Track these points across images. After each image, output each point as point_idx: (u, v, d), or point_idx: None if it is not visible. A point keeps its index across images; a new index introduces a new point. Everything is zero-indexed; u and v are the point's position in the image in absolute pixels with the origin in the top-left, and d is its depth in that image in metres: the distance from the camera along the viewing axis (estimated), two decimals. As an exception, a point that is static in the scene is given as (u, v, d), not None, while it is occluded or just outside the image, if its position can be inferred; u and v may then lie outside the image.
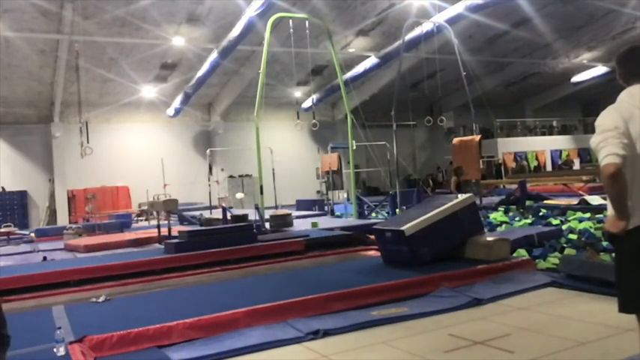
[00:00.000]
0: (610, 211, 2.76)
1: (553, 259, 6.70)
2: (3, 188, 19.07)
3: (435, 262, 6.52)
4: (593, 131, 2.91)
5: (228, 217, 12.49)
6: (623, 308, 2.80)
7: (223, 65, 19.13)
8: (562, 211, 11.50)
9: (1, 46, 16.76)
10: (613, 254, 6.20)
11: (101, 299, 5.93)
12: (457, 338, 4.31)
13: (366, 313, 5.03)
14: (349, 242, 9.83)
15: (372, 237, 8.64)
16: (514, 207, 13.08)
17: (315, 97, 21.87)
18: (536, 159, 28.05)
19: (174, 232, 10.77)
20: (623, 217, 2.65)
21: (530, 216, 11.41)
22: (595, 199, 11.78)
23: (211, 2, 16.64)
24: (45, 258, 9.86)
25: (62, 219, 20.02)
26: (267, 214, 12.36)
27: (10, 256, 10.45)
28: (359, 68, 21.36)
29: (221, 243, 9.07)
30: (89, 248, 10.52)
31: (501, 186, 19.12)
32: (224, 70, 20.62)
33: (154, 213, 14.65)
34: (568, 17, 20.62)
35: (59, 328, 4.21)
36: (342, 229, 10.99)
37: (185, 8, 16.95)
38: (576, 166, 26.91)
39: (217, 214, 14.29)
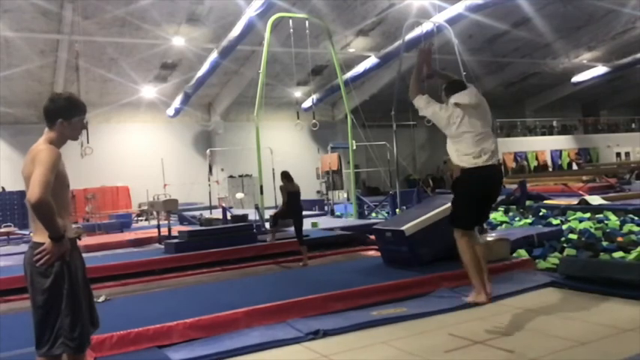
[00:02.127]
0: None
1: (553, 259, 6.69)
2: (3, 188, 19.04)
3: (435, 262, 6.51)
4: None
5: (228, 217, 12.50)
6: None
7: (223, 65, 19.13)
8: (562, 211, 11.49)
9: (1, 46, 16.77)
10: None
11: (101, 299, 5.92)
12: (457, 338, 4.30)
13: (366, 313, 5.02)
14: (349, 242, 9.83)
15: (372, 237, 8.65)
16: (514, 207, 13.08)
17: (315, 97, 21.86)
18: (536, 159, 28.06)
19: (174, 232, 10.77)
20: None
21: (530, 216, 11.40)
22: (595, 199, 11.78)
23: (211, 2, 16.65)
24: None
25: (62, 219, 19.95)
26: (267, 214, 12.35)
27: (10, 256, 10.44)
28: (359, 68, 21.35)
29: (221, 243, 9.07)
30: (89, 248, 10.51)
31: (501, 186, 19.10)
32: (224, 70, 20.62)
33: (154, 213, 14.66)
34: (568, 17, 20.63)
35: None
36: (342, 229, 10.99)
37: (185, 8, 16.96)
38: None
39: (217, 214, 14.29)
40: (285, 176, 9.19)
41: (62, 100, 3.06)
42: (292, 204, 8.95)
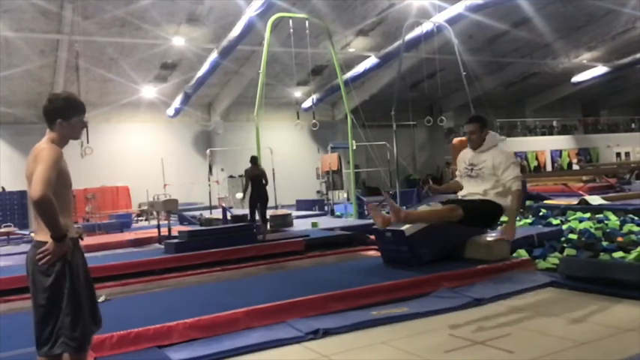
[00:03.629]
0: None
1: (553, 259, 6.69)
2: (3, 188, 19.05)
3: (435, 262, 6.51)
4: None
5: (228, 217, 12.49)
6: None
7: (223, 65, 19.13)
8: (562, 211, 11.48)
9: (1, 46, 16.76)
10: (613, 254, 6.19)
11: (101, 299, 5.91)
12: (457, 338, 4.30)
13: (366, 313, 5.02)
14: (349, 242, 9.83)
15: (372, 237, 8.65)
16: (514, 207, 13.04)
17: (315, 97, 21.87)
18: (536, 159, 28.06)
19: (174, 232, 10.77)
20: None
21: (530, 216, 11.40)
22: (595, 199, 11.77)
23: (211, 2, 16.65)
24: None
25: (62, 219, 19.95)
26: (267, 214, 12.36)
27: (10, 256, 10.44)
28: (359, 68, 21.36)
29: (221, 243, 9.07)
30: (89, 248, 10.51)
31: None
32: (224, 70, 20.62)
33: (154, 213, 14.66)
34: (568, 17, 20.63)
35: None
36: (342, 229, 10.99)
37: (185, 8, 16.96)
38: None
39: (217, 214, 14.29)
40: (252, 160, 9.86)
41: (60, 101, 3.06)
42: (255, 187, 9.80)
